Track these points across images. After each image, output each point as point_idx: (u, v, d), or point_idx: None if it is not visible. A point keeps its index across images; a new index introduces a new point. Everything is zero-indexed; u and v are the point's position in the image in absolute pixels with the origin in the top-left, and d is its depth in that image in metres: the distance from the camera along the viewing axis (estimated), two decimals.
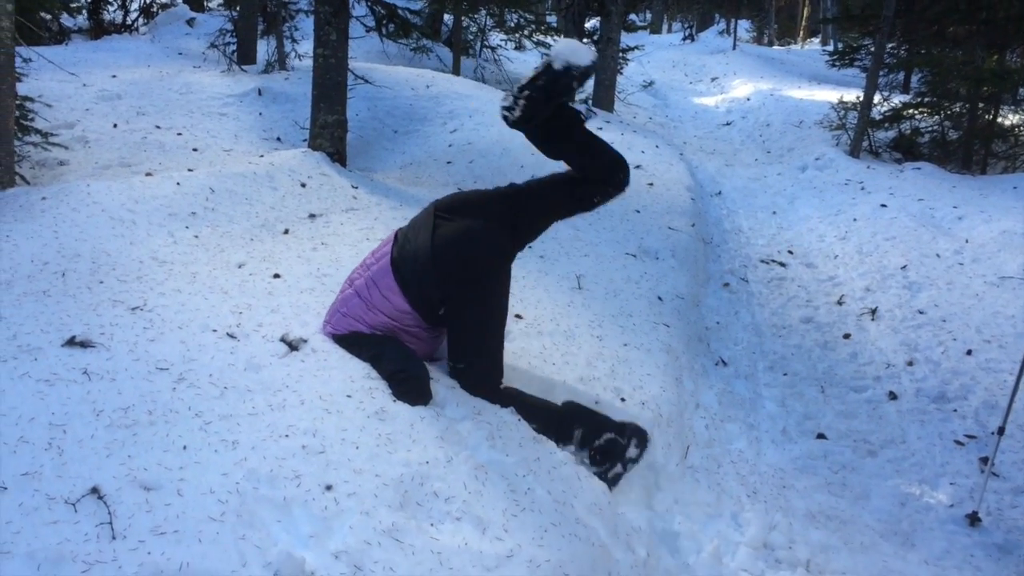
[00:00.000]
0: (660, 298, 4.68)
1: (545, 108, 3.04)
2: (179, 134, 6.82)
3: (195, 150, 6.49)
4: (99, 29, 13.01)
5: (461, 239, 3.00)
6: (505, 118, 3.10)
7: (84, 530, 1.94)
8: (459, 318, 3.05)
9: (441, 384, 2.97)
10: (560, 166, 3.26)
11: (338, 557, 2.07)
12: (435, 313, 3.05)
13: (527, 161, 7.04)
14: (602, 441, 3.01)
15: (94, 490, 2.06)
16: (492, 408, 2.93)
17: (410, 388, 2.79)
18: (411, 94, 8.83)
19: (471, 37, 13.69)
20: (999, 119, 9.44)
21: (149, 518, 2.02)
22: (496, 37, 14.88)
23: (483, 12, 13.57)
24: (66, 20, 12.34)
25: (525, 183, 3.26)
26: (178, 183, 4.71)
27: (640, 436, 3.11)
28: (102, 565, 1.87)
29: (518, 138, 7.78)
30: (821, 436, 3.92)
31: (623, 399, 3.44)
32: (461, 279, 2.97)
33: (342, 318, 3.11)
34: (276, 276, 3.84)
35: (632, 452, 3.06)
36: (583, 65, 2.97)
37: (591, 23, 12.25)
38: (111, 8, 13.89)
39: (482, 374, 3.06)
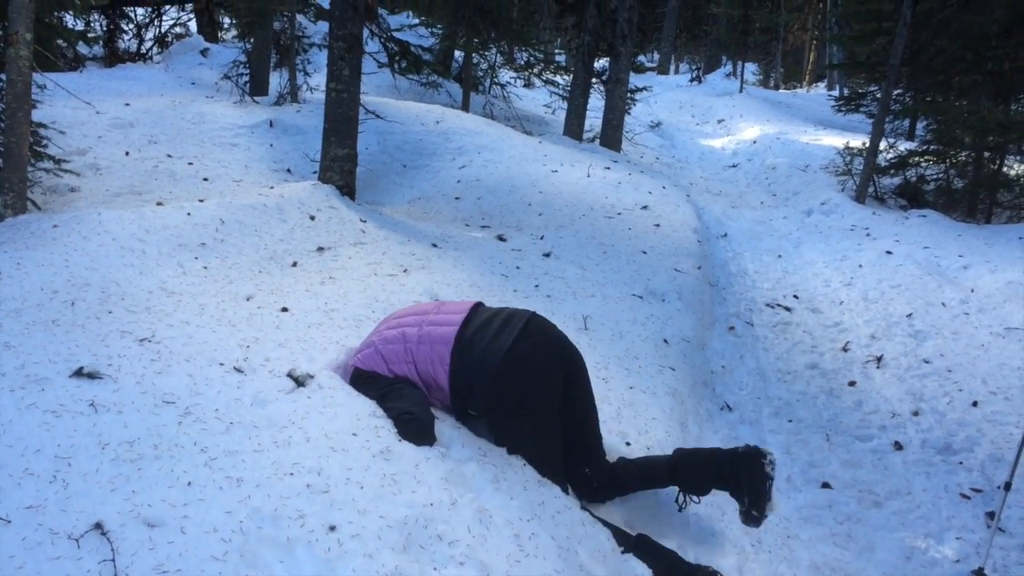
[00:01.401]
0: (666, 341, 4.67)
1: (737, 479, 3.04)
2: (190, 163, 6.87)
3: (206, 180, 6.53)
4: (114, 57, 13.16)
5: (533, 364, 2.94)
6: (766, 453, 3.07)
7: (87, 567, 1.93)
8: (505, 439, 2.97)
9: (447, 424, 2.96)
10: None
11: None
12: (464, 411, 3.01)
13: (535, 199, 7.09)
14: None
15: (97, 525, 2.05)
16: (498, 450, 2.92)
17: (414, 430, 2.77)
18: (421, 129, 8.90)
19: (481, 74, 13.84)
20: (1004, 169, 9.48)
21: (152, 556, 2.00)
22: (506, 74, 15.03)
23: (493, 50, 13.73)
24: (81, 48, 12.48)
25: (588, 399, 3.18)
26: (188, 213, 4.73)
27: None
28: None
29: (526, 176, 7.86)
30: (826, 485, 3.89)
31: (628, 443, 3.43)
32: (514, 399, 2.92)
33: (374, 354, 3.06)
34: (284, 310, 3.85)
35: None
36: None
37: (600, 63, 12.35)
38: (126, 37, 14.06)
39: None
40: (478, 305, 3.19)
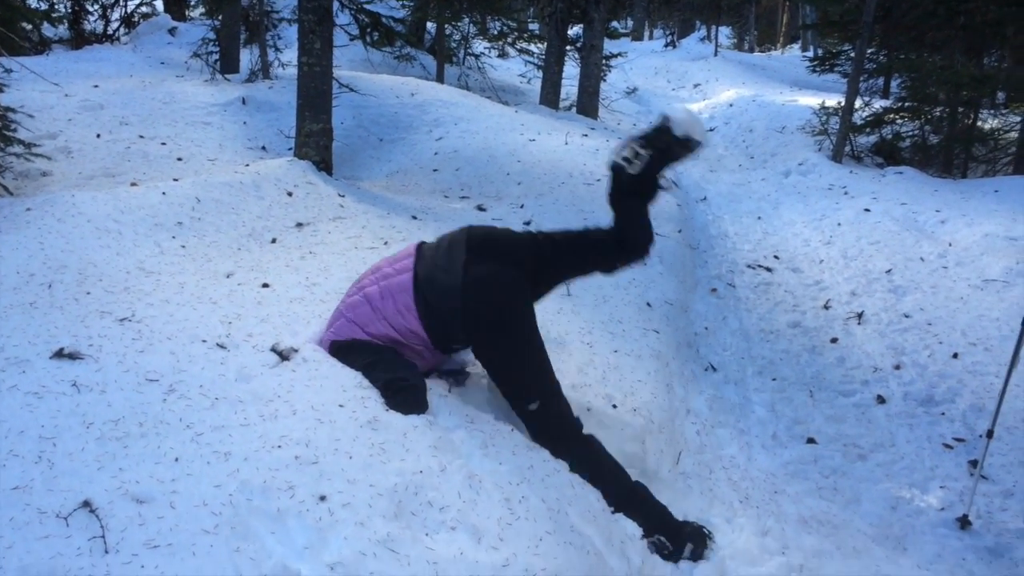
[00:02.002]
0: (649, 304, 4.69)
1: (658, 169, 3.09)
2: (163, 144, 6.78)
3: (180, 160, 6.45)
4: (80, 39, 12.89)
5: (492, 284, 2.95)
6: (620, 167, 3.13)
7: (76, 544, 1.92)
8: (493, 364, 3.01)
9: (434, 393, 2.95)
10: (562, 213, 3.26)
11: (333, 568, 2.05)
12: (448, 346, 3.03)
13: (513, 168, 7.05)
14: (654, 540, 2.86)
15: (86, 503, 2.03)
16: (485, 416, 2.92)
17: (406, 398, 2.76)
18: (396, 102, 8.83)
19: (454, 45, 13.71)
20: (978, 123, 9.54)
21: (142, 531, 1.99)
22: (480, 45, 14.91)
23: (466, 20, 13.60)
24: (47, 30, 12.24)
25: (554, 234, 3.23)
26: (163, 193, 4.68)
27: (699, 539, 2.91)
28: None
29: (504, 146, 7.81)
30: (811, 441, 3.93)
31: (615, 405, 3.44)
32: (488, 324, 2.94)
33: (346, 323, 3.05)
34: (265, 285, 3.82)
35: (686, 555, 2.86)
36: (698, 141, 3.04)
37: (574, 30, 12.27)
38: (92, 18, 13.79)
39: (543, 417, 2.97)
40: (421, 244, 3.20)
